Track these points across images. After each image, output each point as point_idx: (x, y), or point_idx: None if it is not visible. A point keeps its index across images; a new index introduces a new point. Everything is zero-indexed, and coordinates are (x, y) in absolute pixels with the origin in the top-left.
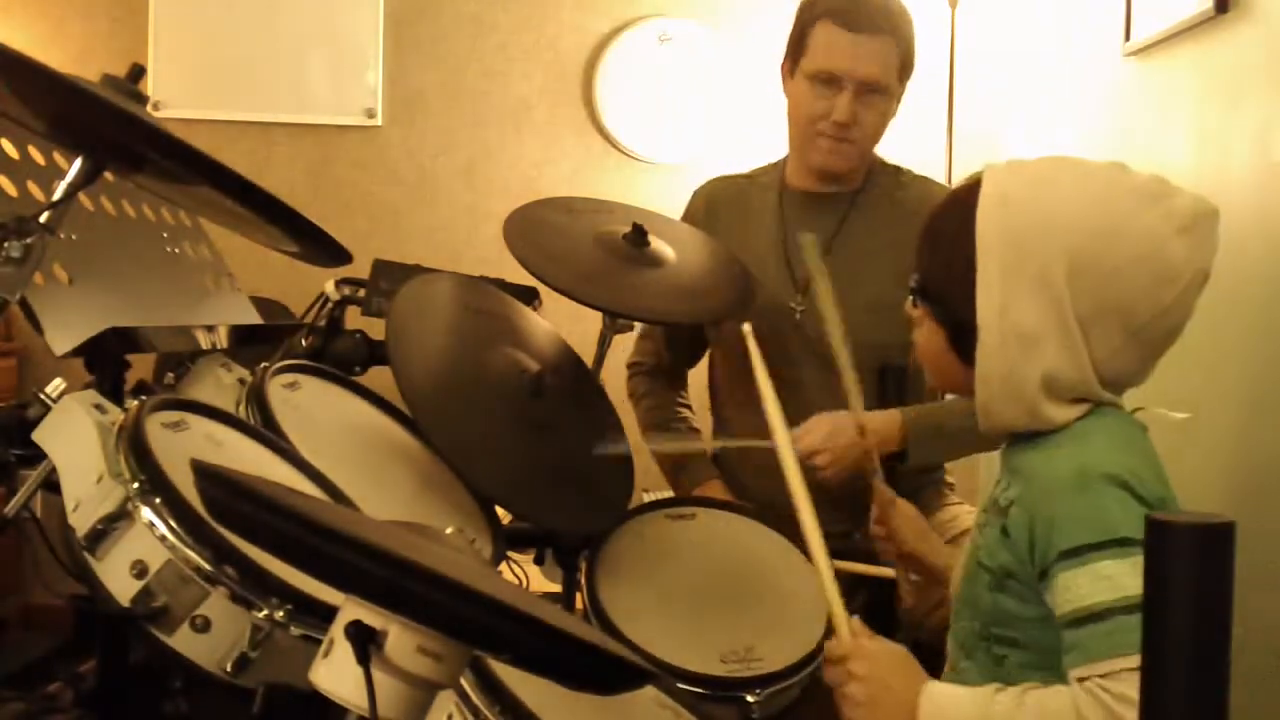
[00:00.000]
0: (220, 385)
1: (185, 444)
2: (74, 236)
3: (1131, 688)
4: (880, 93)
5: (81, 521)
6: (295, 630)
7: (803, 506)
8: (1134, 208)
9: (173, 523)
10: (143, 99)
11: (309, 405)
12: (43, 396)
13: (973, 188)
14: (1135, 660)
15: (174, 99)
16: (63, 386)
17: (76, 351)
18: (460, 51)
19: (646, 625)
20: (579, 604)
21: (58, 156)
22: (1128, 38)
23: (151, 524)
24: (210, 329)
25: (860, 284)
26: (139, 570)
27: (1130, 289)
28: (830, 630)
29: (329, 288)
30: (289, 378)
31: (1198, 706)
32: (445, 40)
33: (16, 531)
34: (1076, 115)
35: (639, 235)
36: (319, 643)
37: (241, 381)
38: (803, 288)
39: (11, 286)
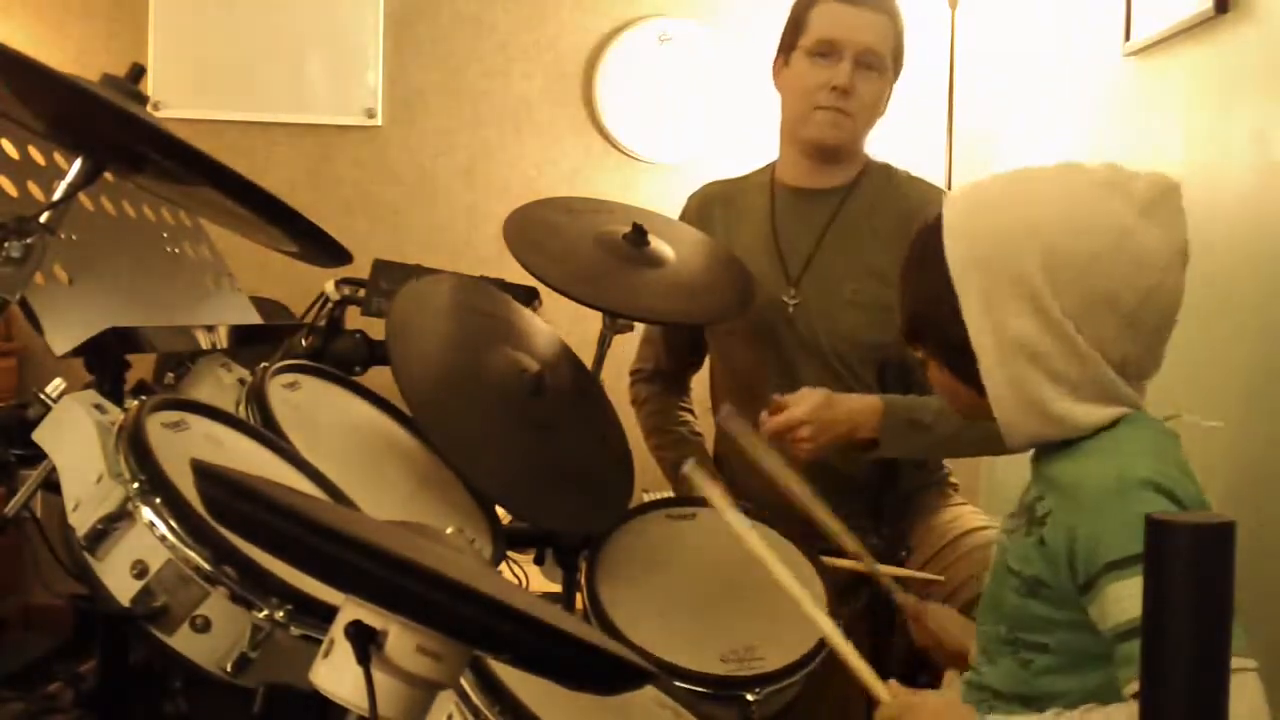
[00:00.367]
0: (220, 385)
1: (185, 444)
2: (74, 236)
3: None
4: (877, 69)
5: (81, 521)
6: (295, 630)
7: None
8: (1095, 198)
9: (173, 523)
10: (143, 99)
11: (309, 405)
12: (43, 396)
13: (934, 224)
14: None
15: (174, 99)
16: (63, 386)
17: (76, 351)
18: (460, 51)
19: (646, 625)
20: (579, 604)
21: (58, 156)
22: (1127, 38)
23: (151, 524)
24: (210, 329)
25: (851, 280)
26: (139, 570)
27: (1109, 277)
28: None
29: (329, 288)
30: (289, 378)
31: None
32: (445, 40)
33: (16, 531)
34: (1076, 115)
35: (639, 235)
36: (319, 643)
37: (241, 381)
38: (795, 281)
39: (11, 286)
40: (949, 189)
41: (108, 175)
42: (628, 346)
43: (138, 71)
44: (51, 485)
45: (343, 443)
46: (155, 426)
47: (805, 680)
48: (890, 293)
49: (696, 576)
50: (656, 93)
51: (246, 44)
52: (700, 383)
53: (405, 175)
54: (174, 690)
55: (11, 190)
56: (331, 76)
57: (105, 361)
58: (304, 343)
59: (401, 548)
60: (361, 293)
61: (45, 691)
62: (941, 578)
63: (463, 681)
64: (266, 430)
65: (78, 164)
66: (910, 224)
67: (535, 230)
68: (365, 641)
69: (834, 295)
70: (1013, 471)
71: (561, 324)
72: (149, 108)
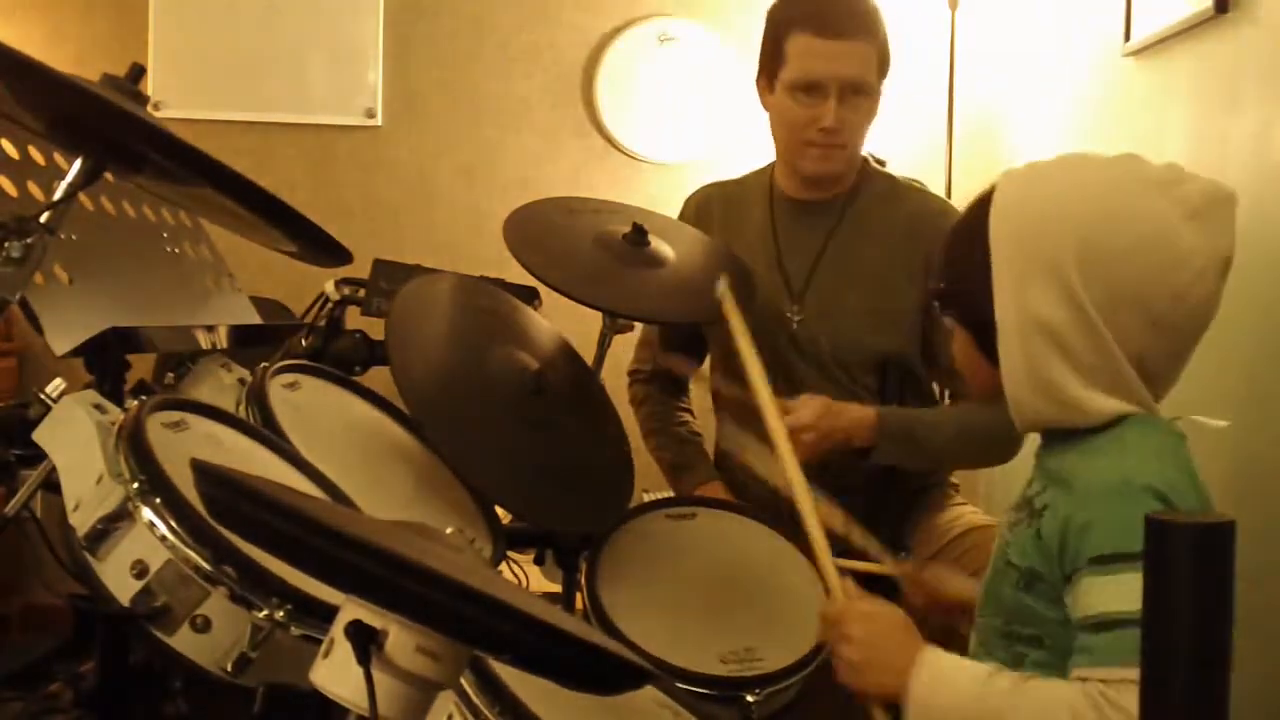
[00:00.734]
0: (220, 385)
1: (185, 444)
2: (74, 236)
3: (1130, 700)
4: (864, 93)
5: (81, 521)
6: (295, 630)
7: (791, 467)
8: (1141, 193)
9: (173, 523)
10: (143, 99)
11: (309, 405)
12: (43, 396)
13: (987, 195)
14: (1137, 674)
15: (174, 99)
16: (63, 386)
17: (76, 351)
18: (460, 51)
19: (646, 625)
20: (579, 604)
21: (58, 156)
22: (1128, 38)
23: (151, 524)
24: (210, 329)
25: (854, 290)
26: (139, 570)
27: (1140, 273)
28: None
29: (329, 288)
30: (289, 378)
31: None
32: (445, 40)
33: (16, 531)
34: (1076, 115)
35: (639, 235)
36: (319, 643)
37: (241, 381)
38: (798, 297)
39: (11, 286)
40: (949, 189)
41: (108, 175)
42: (628, 346)
43: (138, 71)
44: (51, 485)
45: (343, 443)
46: (155, 426)
47: (805, 680)
48: (891, 300)
49: (696, 576)
50: (656, 93)
51: (246, 44)
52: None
53: (405, 175)
54: (174, 690)
55: (11, 190)
56: (331, 76)
57: (105, 361)
58: (304, 343)
59: (401, 548)
60: (361, 293)
61: (45, 691)
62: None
63: (463, 681)
64: (266, 430)
65: (78, 164)
66: (909, 231)
67: (535, 230)
68: (365, 641)
69: (836, 307)
70: (1013, 472)
71: (561, 324)
72: (149, 108)
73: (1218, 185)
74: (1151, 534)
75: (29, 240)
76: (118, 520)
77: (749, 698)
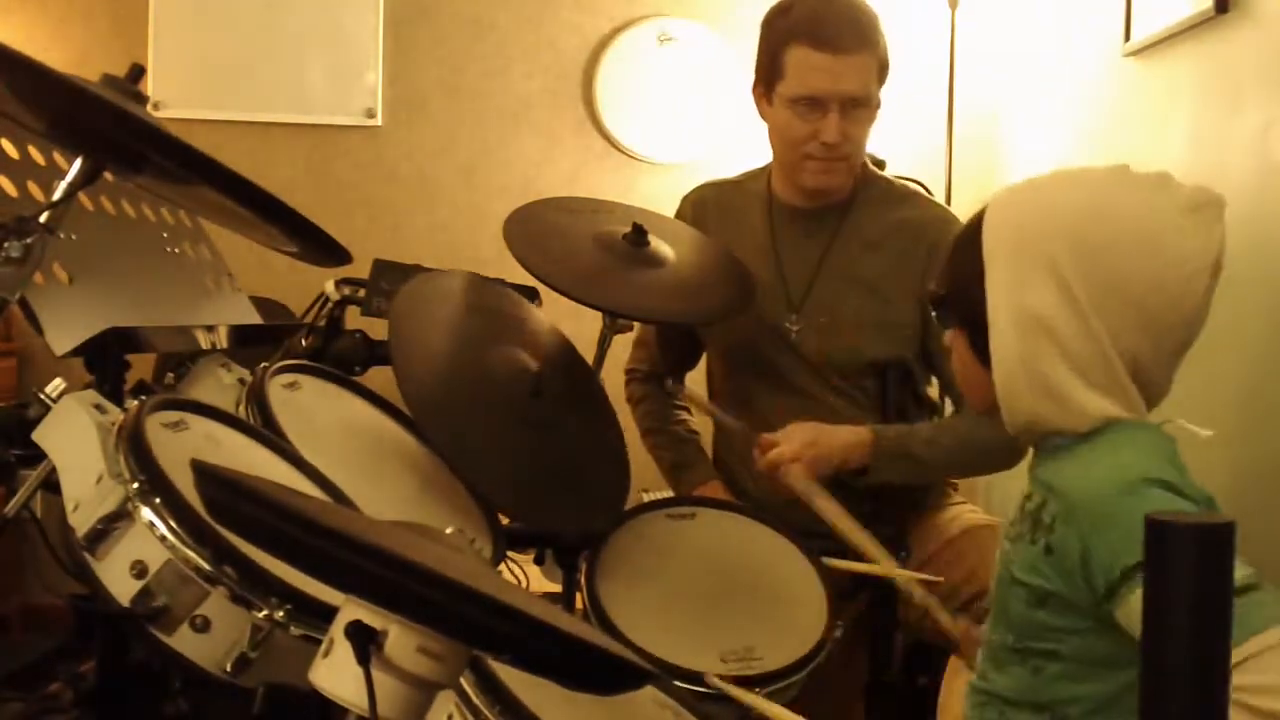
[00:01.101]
0: (220, 385)
1: (185, 444)
2: (74, 236)
3: (1274, 671)
4: (864, 105)
5: (81, 521)
6: (295, 630)
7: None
8: (1133, 194)
9: (173, 523)
10: (143, 99)
11: (309, 405)
12: (43, 396)
13: (983, 210)
14: (1269, 637)
15: (174, 99)
16: (63, 386)
17: (76, 351)
18: (460, 51)
19: (646, 625)
20: (579, 604)
21: (58, 156)
22: (1128, 38)
23: (151, 524)
24: (210, 329)
25: (852, 299)
26: (139, 570)
27: (1133, 270)
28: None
29: (329, 288)
30: (289, 378)
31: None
32: (445, 40)
33: (16, 531)
34: (1076, 115)
35: (639, 235)
36: (319, 643)
37: (241, 381)
38: (797, 307)
39: (11, 286)
40: (949, 189)
41: (108, 175)
42: (628, 346)
43: (138, 71)
44: (51, 485)
45: (343, 443)
46: (155, 426)
47: (805, 680)
48: (890, 308)
49: (696, 576)
50: (656, 93)
51: (246, 44)
52: (698, 383)
53: (405, 175)
54: (174, 690)
55: (11, 190)
56: (331, 76)
57: (105, 361)
58: (304, 343)
59: (401, 548)
60: (361, 293)
61: (45, 691)
62: (940, 579)
63: (463, 681)
64: (266, 430)
65: (78, 164)
66: (907, 238)
67: (535, 230)
68: (365, 641)
69: (835, 317)
70: (1015, 472)
71: (561, 324)
72: (149, 108)
73: (1206, 190)
74: (1151, 534)
75: (29, 240)
76: (117, 520)
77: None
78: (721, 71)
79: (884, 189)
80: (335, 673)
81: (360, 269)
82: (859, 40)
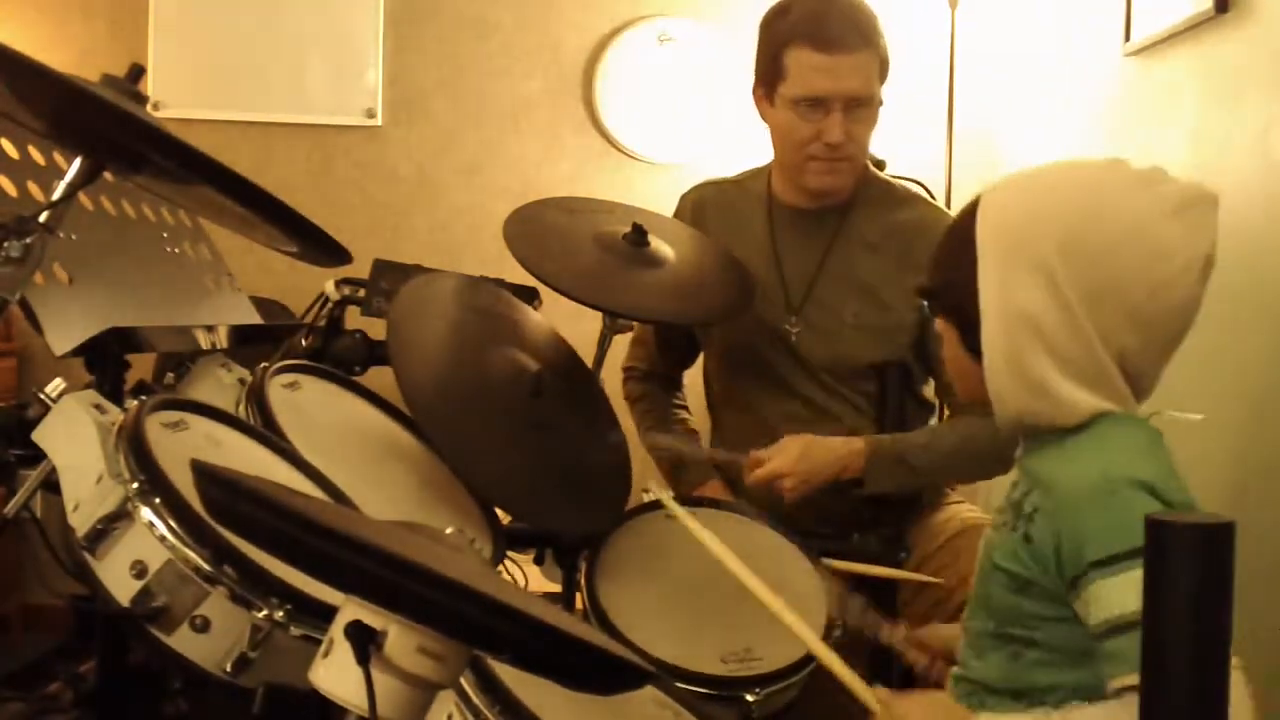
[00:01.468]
0: (220, 385)
1: (185, 444)
2: (74, 236)
3: None
4: (867, 104)
5: (81, 521)
6: (295, 630)
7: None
8: (1123, 190)
9: (172, 523)
10: (143, 99)
11: (309, 405)
12: (43, 396)
13: (976, 200)
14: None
15: (174, 99)
16: (63, 386)
17: (76, 351)
18: (460, 51)
19: (646, 625)
20: (579, 604)
21: (58, 156)
22: (1128, 38)
23: (151, 524)
24: (210, 329)
25: (852, 303)
26: (139, 570)
27: (1123, 267)
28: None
29: (329, 288)
30: (289, 378)
31: (1198, 707)
32: (445, 40)
33: (16, 531)
34: (1076, 115)
35: (639, 235)
36: (319, 643)
37: (241, 381)
38: (797, 309)
39: (11, 286)
40: (949, 190)
41: (108, 175)
42: (628, 346)
43: (138, 71)
44: (51, 485)
45: (343, 443)
46: (155, 426)
47: (805, 680)
48: (889, 311)
49: (696, 577)
50: (656, 93)
51: (246, 44)
52: (696, 385)
53: (405, 175)
54: (174, 690)
55: (11, 190)
56: (331, 76)
57: (105, 361)
58: (304, 343)
59: (401, 548)
60: (361, 293)
61: (45, 691)
62: (940, 579)
63: (463, 681)
64: (266, 430)
65: (78, 164)
66: (906, 241)
67: (535, 230)
68: (365, 641)
69: (835, 321)
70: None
71: (561, 324)
72: (149, 108)
73: (1199, 186)
74: (1151, 534)
75: (29, 240)
76: (117, 520)
77: (749, 697)
78: (721, 71)
79: (884, 190)
80: (335, 673)
81: (360, 269)
82: (859, 39)
